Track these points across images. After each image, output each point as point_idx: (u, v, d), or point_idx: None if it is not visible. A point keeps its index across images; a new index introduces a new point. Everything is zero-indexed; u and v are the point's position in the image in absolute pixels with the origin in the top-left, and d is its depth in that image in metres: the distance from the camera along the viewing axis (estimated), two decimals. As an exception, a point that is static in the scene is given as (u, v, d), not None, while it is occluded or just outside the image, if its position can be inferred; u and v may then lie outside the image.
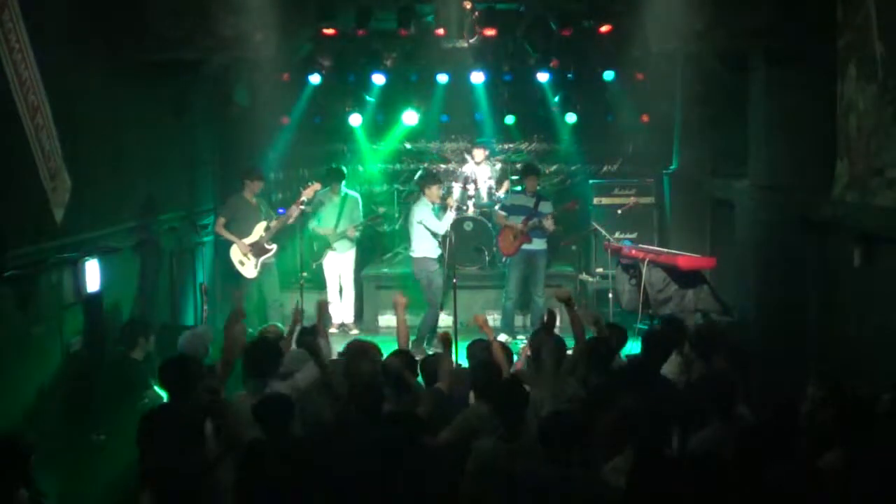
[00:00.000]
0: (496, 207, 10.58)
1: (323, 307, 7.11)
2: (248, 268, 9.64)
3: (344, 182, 10.44)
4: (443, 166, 12.33)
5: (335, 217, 10.21)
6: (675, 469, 4.40)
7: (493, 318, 10.56)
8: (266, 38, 8.28)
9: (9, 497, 4.43)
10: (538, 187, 10.23)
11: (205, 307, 9.67)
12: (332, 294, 10.28)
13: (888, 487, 4.32)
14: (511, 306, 10.03)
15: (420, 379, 6.20)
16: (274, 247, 9.72)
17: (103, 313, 7.39)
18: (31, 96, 6.28)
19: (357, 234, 10.26)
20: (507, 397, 5.13)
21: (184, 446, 4.80)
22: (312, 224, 10.21)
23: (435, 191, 9.65)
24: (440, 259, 9.72)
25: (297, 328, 6.82)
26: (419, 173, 11.42)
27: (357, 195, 10.53)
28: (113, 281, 7.52)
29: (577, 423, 4.62)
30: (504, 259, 10.30)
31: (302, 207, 9.73)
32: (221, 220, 9.65)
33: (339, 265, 10.34)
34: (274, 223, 9.65)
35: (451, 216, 9.52)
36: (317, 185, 9.92)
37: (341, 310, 10.41)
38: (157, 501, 4.47)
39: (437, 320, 9.69)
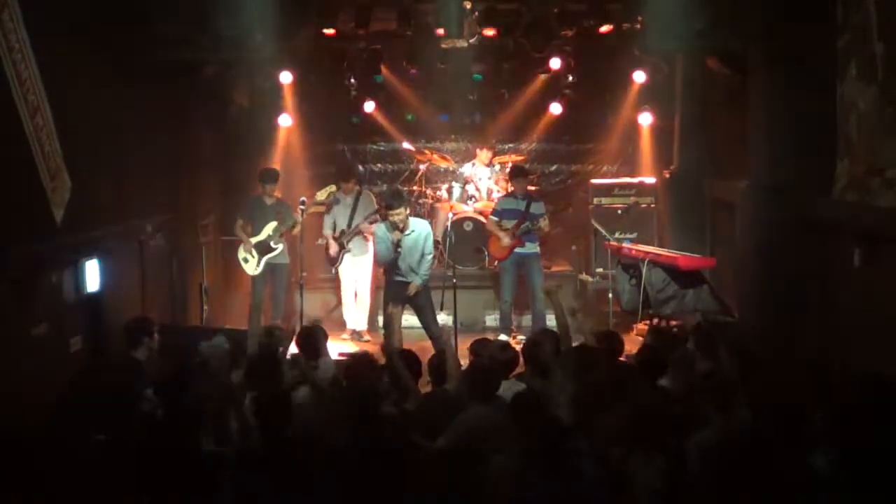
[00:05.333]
0: (490, 215, 10.21)
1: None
2: (251, 265, 9.67)
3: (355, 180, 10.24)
4: (443, 166, 12.32)
5: (348, 216, 9.99)
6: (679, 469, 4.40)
7: (493, 319, 10.61)
8: (266, 38, 8.28)
9: (8, 497, 4.43)
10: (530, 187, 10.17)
11: (205, 307, 9.69)
12: (346, 299, 10.13)
13: (879, 484, 4.32)
14: (508, 308, 9.97)
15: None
16: (280, 247, 9.68)
17: (103, 313, 7.39)
18: (31, 96, 6.29)
19: (373, 228, 9.57)
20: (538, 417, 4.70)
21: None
22: (327, 229, 10.04)
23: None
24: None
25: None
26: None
27: (370, 193, 10.34)
28: (113, 281, 7.51)
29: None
30: (495, 263, 10.23)
31: (302, 208, 9.63)
32: (239, 222, 9.74)
33: (356, 269, 10.08)
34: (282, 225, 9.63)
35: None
36: (332, 188, 9.89)
37: (355, 316, 10.16)
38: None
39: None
